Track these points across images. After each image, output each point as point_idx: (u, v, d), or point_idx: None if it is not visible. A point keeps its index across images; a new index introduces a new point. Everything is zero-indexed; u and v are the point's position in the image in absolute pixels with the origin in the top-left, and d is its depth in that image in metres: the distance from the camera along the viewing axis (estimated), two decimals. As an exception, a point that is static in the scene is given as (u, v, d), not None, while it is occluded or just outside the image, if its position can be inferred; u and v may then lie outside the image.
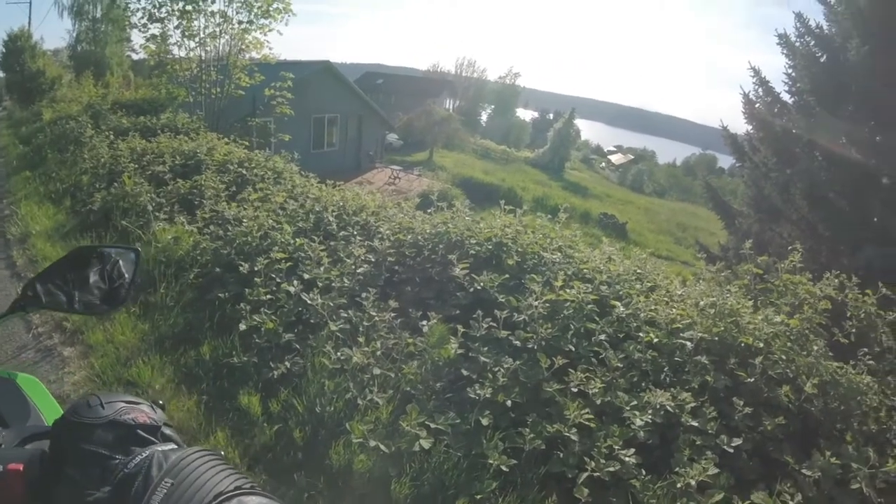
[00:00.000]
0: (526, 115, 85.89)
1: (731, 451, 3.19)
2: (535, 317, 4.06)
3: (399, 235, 5.44)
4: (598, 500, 3.03)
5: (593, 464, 3.07)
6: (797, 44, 12.01)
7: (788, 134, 12.02)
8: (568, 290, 4.30)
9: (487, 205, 11.11)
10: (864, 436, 3.43)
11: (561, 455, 3.21)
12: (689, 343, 3.90)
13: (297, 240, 5.45)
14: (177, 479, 0.75)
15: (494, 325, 3.97)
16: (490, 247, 5.04)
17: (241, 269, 5.08)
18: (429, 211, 5.96)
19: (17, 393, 1.43)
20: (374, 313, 4.36)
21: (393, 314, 4.38)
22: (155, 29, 15.23)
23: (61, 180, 9.91)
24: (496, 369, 3.64)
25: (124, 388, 4.14)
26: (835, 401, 3.60)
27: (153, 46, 15.56)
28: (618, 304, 4.31)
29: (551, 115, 77.12)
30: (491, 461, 3.13)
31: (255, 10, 15.12)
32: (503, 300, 4.31)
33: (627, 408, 3.40)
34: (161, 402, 1.01)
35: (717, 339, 3.96)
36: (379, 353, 4.02)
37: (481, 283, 4.50)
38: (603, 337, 3.97)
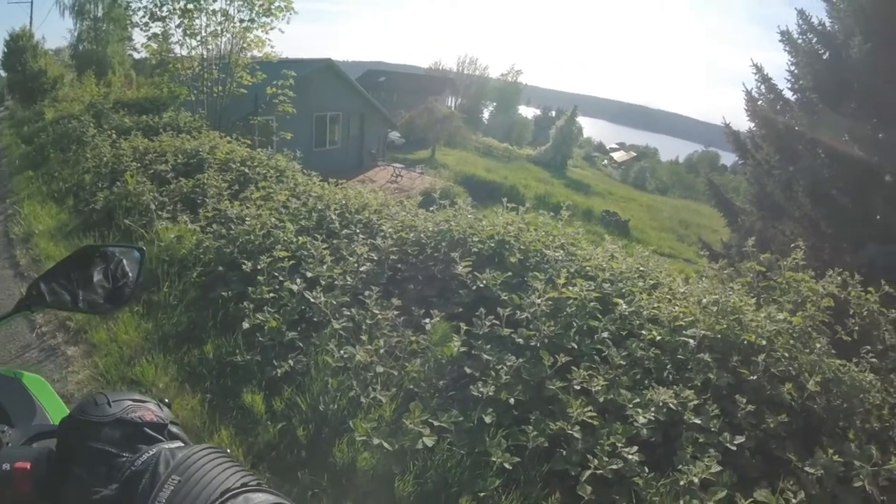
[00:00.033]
0: (528, 112, 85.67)
1: (734, 448, 3.20)
2: (537, 314, 4.06)
3: (402, 233, 5.44)
4: (602, 497, 3.03)
5: (596, 461, 3.07)
6: (799, 41, 11.97)
7: (791, 131, 11.99)
8: (571, 288, 4.30)
9: (490, 202, 11.11)
10: (866, 433, 3.43)
11: (564, 453, 3.22)
12: (691, 341, 3.91)
13: (300, 238, 5.46)
14: (184, 476, 0.75)
15: (497, 322, 3.98)
16: (493, 244, 5.04)
17: (244, 267, 5.08)
18: (431, 209, 5.97)
19: (22, 392, 1.43)
20: (377, 311, 4.36)
21: (396, 312, 4.39)
22: (156, 28, 15.24)
23: (64, 180, 9.93)
24: (499, 367, 3.65)
25: (128, 386, 4.15)
26: (837, 398, 3.60)
27: (155, 45, 15.55)
28: (620, 301, 4.32)
29: (553, 113, 76.93)
30: (494, 459, 3.14)
31: (257, 8, 15.09)
32: (506, 298, 4.31)
33: (630, 405, 3.41)
34: (167, 400, 1.01)
35: (719, 336, 3.96)
36: (382, 351, 4.03)
37: (484, 281, 4.50)
38: (606, 334, 3.98)
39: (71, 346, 4.87)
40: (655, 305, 4.35)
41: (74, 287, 1.50)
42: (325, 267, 4.96)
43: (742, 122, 13.64)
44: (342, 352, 3.99)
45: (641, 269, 5.12)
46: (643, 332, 4.04)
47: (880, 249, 9.65)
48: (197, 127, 12.23)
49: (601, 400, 3.46)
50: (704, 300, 4.38)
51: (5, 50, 28.45)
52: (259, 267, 5.00)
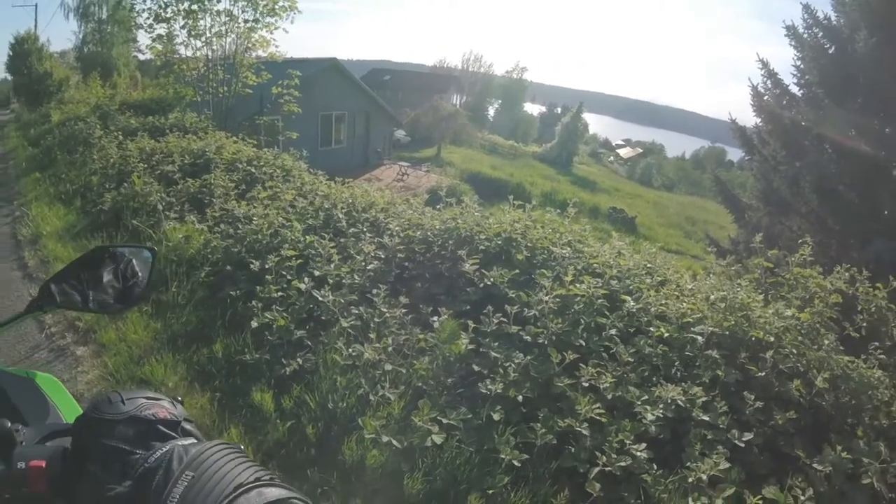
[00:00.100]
0: (533, 109, 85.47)
1: (742, 445, 3.19)
2: (545, 312, 4.07)
3: (408, 232, 5.45)
4: (610, 494, 3.03)
5: (605, 458, 3.07)
6: (805, 35, 11.92)
7: (797, 126, 11.94)
8: (578, 285, 4.30)
9: (496, 200, 11.13)
10: (875, 430, 3.42)
11: (572, 450, 3.22)
12: (699, 337, 3.91)
13: (308, 237, 5.47)
14: (197, 471, 0.76)
15: (505, 320, 3.99)
16: (499, 242, 5.04)
17: (251, 266, 5.10)
18: (438, 207, 5.98)
19: (36, 392, 1.45)
20: (384, 309, 4.38)
21: (403, 310, 4.40)
22: (161, 29, 15.31)
23: (71, 181, 9.98)
24: (507, 364, 3.66)
25: (138, 386, 4.17)
26: (846, 395, 3.59)
27: (159, 46, 15.61)
28: (628, 298, 4.32)
29: (559, 110, 76.84)
30: (503, 456, 3.15)
31: (261, 9, 15.15)
32: (513, 295, 4.31)
33: (638, 402, 3.41)
34: (179, 398, 1.02)
35: (727, 333, 3.96)
36: (390, 349, 4.04)
37: (491, 279, 4.51)
38: (613, 331, 3.98)
39: (80, 347, 4.90)
40: (663, 302, 4.34)
41: (85, 287, 1.51)
42: (332, 265, 4.97)
43: (748, 118, 13.61)
44: (350, 350, 4.00)
45: (649, 265, 5.11)
46: (651, 328, 4.03)
47: (888, 245, 9.62)
48: (203, 127, 12.28)
49: (609, 397, 3.46)
50: (712, 297, 4.37)
51: (10, 53, 28.59)
52: (267, 266, 5.01)
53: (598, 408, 3.34)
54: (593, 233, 5.95)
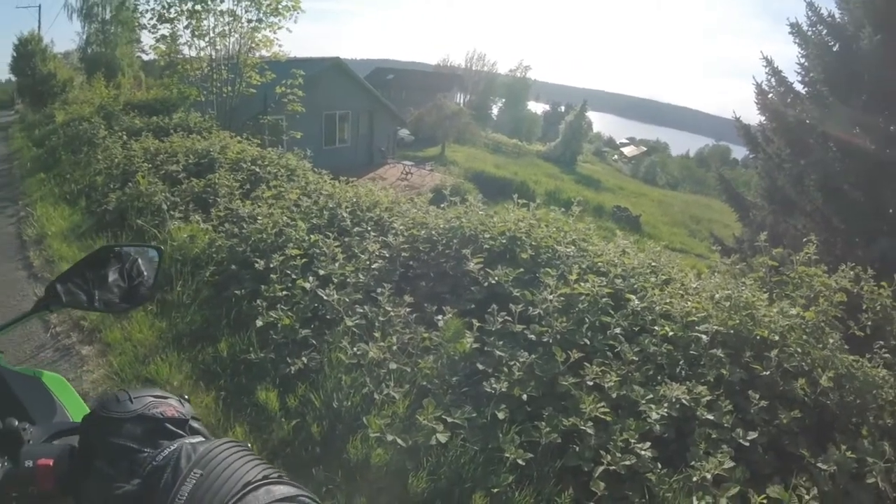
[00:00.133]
0: (537, 108, 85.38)
1: (747, 444, 3.19)
2: (549, 311, 4.06)
3: (413, 231, 5.45)
4: (614, 493, 3.03)
5: (609, 457, 3.07)
6: (809, 33, 11.90)
7: (802, 124, 11.92)
8: (582, 284, 4.29)
9: (500, 199, 11.12)
10: (879, 430, 3.42)
11: (577, 449, 3.22)
12: (704, 336, 3.90)
13: (312, 236, 5.47)
14: (206, 469, 0.76)
15: (509, 319, 3.98)
16: (504, 241, 5.03)
17: (256, 266, 5.10)
18: (442, 206, 5.98)
19: (43, 391, 1.45)
20: (389, 308, 4.37)
21: (408, 309, 4.40)
22: (164, 29, 15.37)
23: (76, 181, 10.02)
24: (512, 363, 3.65)
25: (143, 384, 4.18)
26: (850, 394, 3.58)
27: (163, 47, 15.68)
28: (633, 297, 4.32)
29: (563, 108, 76.58)
30: (507, 455, 3.15)
31: (264, 8, 15.18)
32: (518, 294, 4.31)
33: (643, 401, 3.40)
34: (187, 396, 1.02)
35: (732, 332, 3.95)
36: (395, 347, 4.04)
37: (496, 278, 4.50)
38: (618, 330, 3.98)
39: (85, 346, 4.91)
40: (668, 301, 4.34)
41: (90, 287, 1.52)
42: (337, 265, 4.97)
43: (753, 116, 13.59)
44: (355, 349, 4.00)
45: (653, 264, 5.11)
46: (655, 327, 4.03)
47: (893, 243, 9.60)
48: (207, 127, 12.29)
49: (614, 396, 3.46)
50: (717, 295, 4.36)
51: (14, 54, 28.68)
52: (272, 265, 5.01)
53: (603, 407, 3.34)
54: (598, 231, 5.95)
